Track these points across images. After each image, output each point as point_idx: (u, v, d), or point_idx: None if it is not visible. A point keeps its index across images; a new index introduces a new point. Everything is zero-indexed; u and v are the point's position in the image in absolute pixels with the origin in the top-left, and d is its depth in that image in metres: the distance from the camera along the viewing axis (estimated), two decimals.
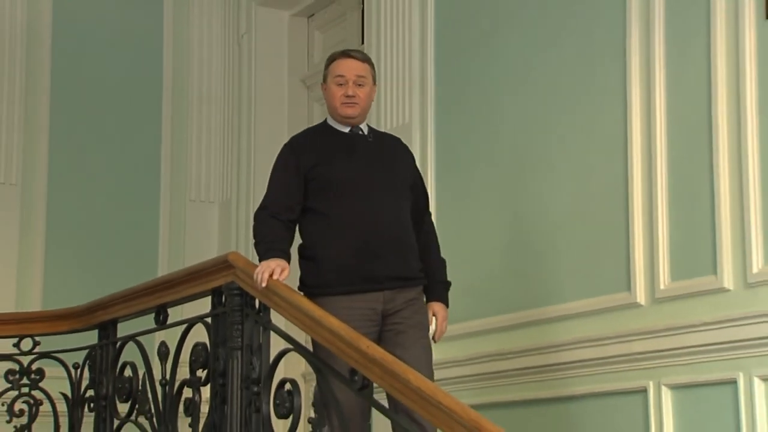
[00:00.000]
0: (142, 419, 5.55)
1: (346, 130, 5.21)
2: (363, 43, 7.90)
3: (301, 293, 4.88)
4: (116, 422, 5.84)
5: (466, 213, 6.80)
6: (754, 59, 5.26)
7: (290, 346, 4.70)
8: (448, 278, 5.42)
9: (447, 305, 5.25)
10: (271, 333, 4.88)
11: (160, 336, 5.58)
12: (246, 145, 8.90)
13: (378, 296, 4.91)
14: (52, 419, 6.28)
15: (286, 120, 8.94)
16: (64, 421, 6.24)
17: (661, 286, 5.55)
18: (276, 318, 4.91)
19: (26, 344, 6.31)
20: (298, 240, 5.14)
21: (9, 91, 8.39)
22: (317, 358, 4.61)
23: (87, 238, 8.52)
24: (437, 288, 5.24)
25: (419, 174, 5.44)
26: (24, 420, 6.26)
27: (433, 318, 5.15)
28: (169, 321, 5.57)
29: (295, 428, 4.53)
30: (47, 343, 6.36)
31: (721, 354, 5.17)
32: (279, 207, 5.04)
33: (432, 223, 5.47)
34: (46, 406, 6.29)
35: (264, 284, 4.67)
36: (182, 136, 9.04)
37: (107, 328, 6.06)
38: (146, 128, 8.91)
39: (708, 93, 5.45)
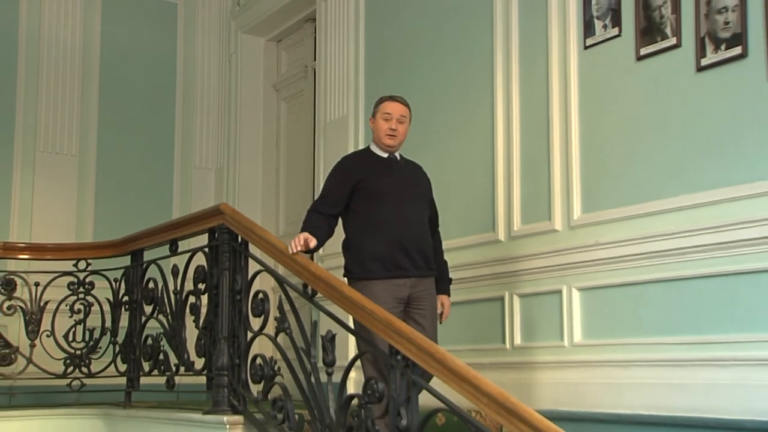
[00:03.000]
0: (161, 317, 5.56)
1: (385, 155, 4.80)
2: (315, 60, 7.86)
3: (346, 279, 4.64)
4: (143, 318, 5.84)
5: None
6: (576, 75, 5.37)
7: (262, 268, 4.70)
8: None
9: (449, 296, 4.91)
10: (249, 259, 4.87)
11: (173, 260, 5.53)
12: (234, 129, 8.81)
13: (406, 282, 4.54)
14: (100, 315, 6.26)
15: (261, 112, 8.85)
16: (107, 317, 6.25)
17: (515, 228, 5.64)
18: (253, 249, 4.89)
19: (82, 264, 6.34)
20: (341, 235, 4.80)
21: (70, 91, 8.32)
22: (280, 276, 4.59)
23: (123, 192, 8.45)
24: (444, 284, 4.89)
25: (432, 192, 5.01)
26: (81, 316, 6.28)
27: (441, 306, 4.82)
28: (179, 250, 5.53)
29: (266, 324, 4.60)
30: (96, 264, 6.36)
31: (552, 273, 5.30)
32: (323, 206, 4.68)
33: (439, 233, 5.02)
34: (95, 307, 6.30)
35: (294, 251, 4.43)
36: (189, 122, 8.94)
37: (137, 255, 6.03)
38: (164, 116, 8.83)
39: (547, 97, 5.53)
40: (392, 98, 4.85)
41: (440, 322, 4.83)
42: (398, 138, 4.78)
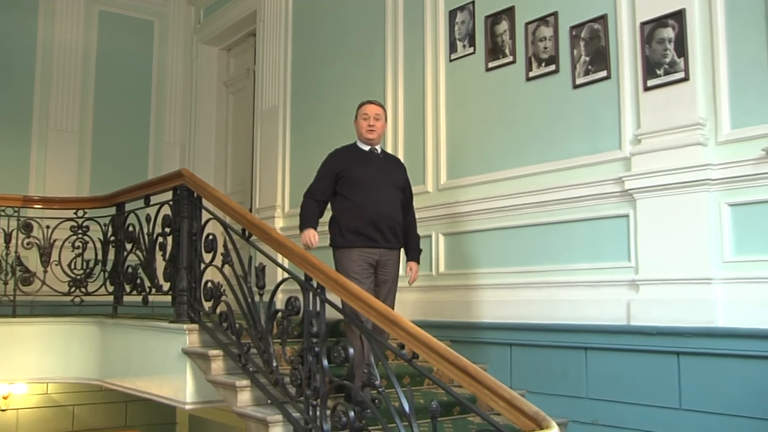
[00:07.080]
0: (138, 252, 5.43)
1: (366, 149, 4.36)
2: (255, 64, 7.70)
3: (332, 249, 4.28)
4: (125, 253, 5.70)
5: (304, 151, 6.66)
6: (444, 80, 5.38)
7: (212, 217, 4.57)
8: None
9: (419, 263, 4.46)
10: (203, 210, 4.74)
11: (147, 210, 5.35)
12: (194, 115, 8.65)
13: (376, 251, 4.17)
14: (93, 251, 6.10)
15: (215, 102, 8.68)
16: (99, 252, 6.06)
17: None
18: (205, 203, 4.72)
19: (80, 213, 6.18)
20: (329, 212, 4.39)
21: (73, 85, 8.13)
22: (226, 223, 4.42)
23: (112, 160, 8.22)
24: (415, 253, 4.45)
25: (408, 180, 4.50)
26: (80, 251, 6.12)
27: (410, 270, 4.42)
28: (151, 203, 5.35)
29: (214, 258, 4.47)
30: (91, 212, 6.19)
31: (425, 222, 5.26)
32: (316, 192, 4.33)
33: (414, 211, 4.54)
34: (90, 244, 6.12)
35: (311, 246, 4.20)
36: (162, 109, 8.69)
37: (120, 206, 5.86)
38: (143, 104, 8.59)
39: (423, 96, 5.53)
40: (368, 101, 4.46)
41: (409, 284, 4.53)
42: (376, 132, 4.35)
